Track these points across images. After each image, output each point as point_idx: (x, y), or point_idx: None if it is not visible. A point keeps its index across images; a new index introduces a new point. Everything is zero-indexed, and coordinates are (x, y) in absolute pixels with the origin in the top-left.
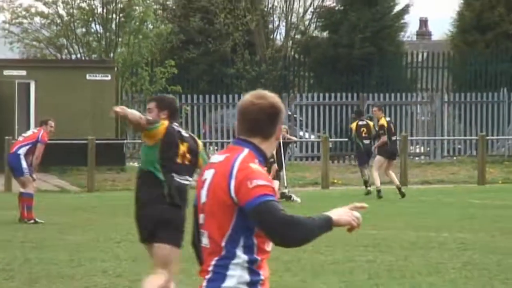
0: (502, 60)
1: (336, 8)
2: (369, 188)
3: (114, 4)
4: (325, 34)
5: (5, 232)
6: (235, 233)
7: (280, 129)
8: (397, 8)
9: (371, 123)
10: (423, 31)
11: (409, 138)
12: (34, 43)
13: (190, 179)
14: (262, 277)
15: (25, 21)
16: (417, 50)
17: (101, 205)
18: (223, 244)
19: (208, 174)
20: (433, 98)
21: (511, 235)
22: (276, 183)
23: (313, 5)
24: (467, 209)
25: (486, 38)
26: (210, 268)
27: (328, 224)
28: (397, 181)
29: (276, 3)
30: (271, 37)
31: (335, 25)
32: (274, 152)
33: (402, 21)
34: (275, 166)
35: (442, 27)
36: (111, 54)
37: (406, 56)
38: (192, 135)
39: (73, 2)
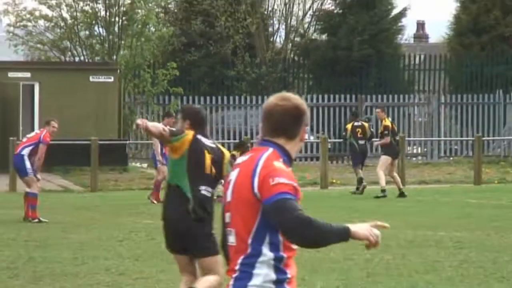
0: (497, 63)
1: (335, 11)
2: (364, 183)
3: (117, 8)
4: (324, 36)
5: (10, 231)
6: (261, 230)
7: (304, 130)
8: (395, 11)
9: (366, 125)
10: (420, 34)
11: (407, 139)
12: (38, 45)
13: (212, 190)
14: (288, 275)
15: (29, 24)
16: (414, 53)
17: (104, 204)
18: (249, 241)
19: (233, 175)
20: (430, 99)
21: (506, 233)
22: None
23: (312, 9)
24: (464, 208)
25: (482, 40)
26: (237, 267)
27: (345, 234)
28: (400, 184)
29: (276, 7)
30: (271, 39)
31: (334, 28)
32: None
33: (400, 24)
34: None
35: (439, 30)
36: (114, 57)
37: (404, 58)
38: (219, 146)
39: (77, 6)
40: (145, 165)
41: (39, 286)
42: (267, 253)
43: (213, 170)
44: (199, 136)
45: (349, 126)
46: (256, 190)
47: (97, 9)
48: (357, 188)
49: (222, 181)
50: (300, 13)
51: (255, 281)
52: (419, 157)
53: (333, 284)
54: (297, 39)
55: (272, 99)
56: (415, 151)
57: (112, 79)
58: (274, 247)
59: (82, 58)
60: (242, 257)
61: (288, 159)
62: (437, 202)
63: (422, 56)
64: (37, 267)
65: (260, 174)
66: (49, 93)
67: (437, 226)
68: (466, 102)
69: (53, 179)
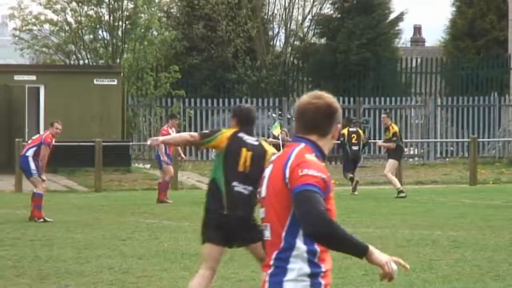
0: (492, 66)
1: (334, 15)
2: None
3: (120, 12)
4: (323, 40)
5: (16, 230)
6: (294, 223)
7: (337, 128)
8: (392, 16)
9: (361, 131)
10: (417, 38)
11: (404, 140)
12: (44, 49)
13: (249, 187)
14: (323, 269)
15: (35, 28)
16: (411, 56)
17: (108, 204)
18: (283, 234)
19: (267, 171)
20: (426, 102)
21: (501, 233)
22: None
23: (312, 13)
24: (459, 208)
25: (478, 44)
26: (272, 262)
27: (362, 250)
28: (398, 184)
29: (276, 11)
30: (271, 43)
31: (332, 32)
32: None
33: (397, 28)
34: None
35: (435, 34)
36: (118, 60)
37: (401, 62)
38: (263, 144)
39: (81, 10)
40: (148, 165)
41: (44, 284)
42: (300, 246)
43: (247, 168)
44: (240, 134)
45: (345, 131)
46: (287, 180)
47: (101, 14)
48: (354, 189)
49: None
50: (300, 18)
51: (290, 275)
52: (416, 158)
53: (332, 282)
54: (297, 42)
55: (305, 98)
56: (411, 152)
57: (115, 82)
58: (307, 240)
59: (86, 61)
60: (276, 251)
61: (321, 155)
62: (433, 202)
63: (419, 60)
64: (42, 266)
65: (291, 166)
66: (54, 96)
67: (434, 225)
68: (462, 104)
69: (58, 180)
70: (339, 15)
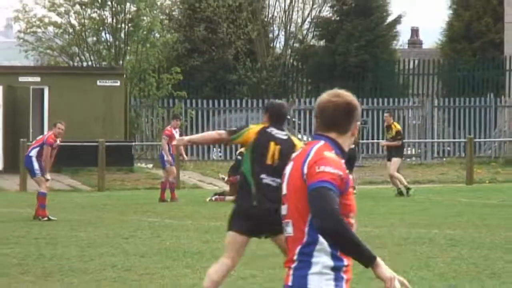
0: (488, 68)
1: (333, 18)
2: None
3: (123, 15)
4: (322, 42)
5: (20, 229)
6: None
7: (356, 126)
8: (390, 19)
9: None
10: (415, 40)
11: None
12: (48, 51)
13: (279, 180)
14: (345, 263)
15: (39, 30)
16: (408, 58)
17: (111, 203)
18: (306, 229)
19: (288, 168)
20: (423, 102)
21: (497, 231)
22: None
23: (311, 16)
24: (456, 207)
25: (474, 46)
26: (295, 257)
27: (369, 259)
28: (399, 184)
29: (276, 14)
30: (271, 45)
31: (331, 34)
32: None
33: (395, 30)
34: None
35: (432, 36)
36: (120, 62)
37: (399, 64)
38: (293, 138)
39: (85, 13)
40: (150, 165)
41: (48, 281)
42: (323, 240)
43: (276, 161)
44: (270, 129)
45: None
46: (305, 177)
47: (104, 16)
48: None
49: None
50: (299, 20)
51: (314, 269)
52: (413, 158)
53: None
54: (296, 45)
55: (325, 96)
56: (409, 152)
57: (118, 83)
58: None
59: (89, 63)
60: (299, 247)
61: (341, 152)
62: (430, 201)
63: (416, 61)
64: (46, 264)
65: (309, 162)
66: (58, 97)
67: (431, 224)
68: (458, 105)
69: (62, 179)
70: (338, 18)
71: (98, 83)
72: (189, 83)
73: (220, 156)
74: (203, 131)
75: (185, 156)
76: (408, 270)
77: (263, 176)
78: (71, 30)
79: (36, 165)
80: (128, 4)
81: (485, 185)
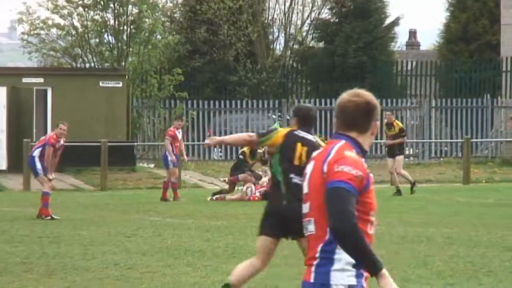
0: (485, 69)
1: (332, 20)
2: None
3: (125, 17)
4: (321, 44)
5: (24, 228)
6: None
7: (376, 125)
8: (388, 21)
9: None
10: (412, 42)
11: None
12: (51, 52)
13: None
14: None
15: (42, 32)
16: (406, 59)
17: (113, 202)
18: (328, 227)
19: (309, 167)
20: (421, 103)
21: (494, 230)
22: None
23: (310, 18)
24: (453, 206)
25: (471, 48)
26: (317, 255)
27: (376, 267)
28: (398, 183)
29: (275, 16)
30: (271, 47)
31: (330, 36)
32: None
33: (393, 32)
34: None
35: (430, 38)
36: (123, 63)
37: (397, 65)
38: (320, 141)
39: (87, 15)
40: (152, 165)
41: (51, 279)
42: None
43: (303, 162)
44: (297, 131)
45: None
46: (324, 176)
47: (106, 18)
48: None
49: None
50: (299, 22)
51: (337, 265)
52: (411, 158)
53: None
54: (296, 46)
55: (345, 96)
56: (407, 152)
57: (120, 84)
58: None
59: (92, 64)
60: (321, 244)
61: (361, 151)
62: (428, 200)
63: (414, 63)
64: (50, 262)
65: (330, 161)
66: (61, 97)
67: (428, 223)
68: (456, 106)
69: (65, 179)
70: (337, 20)
71: (100, 84)
72: (190, 84)
73: (221, 156)
74: (204, 131)
75: (185, 157)
76: (406, 268)
77: (292, 175)
78: (74, 32)
79: (38, 165)
80: (130, 6)
81: (481, 184)
